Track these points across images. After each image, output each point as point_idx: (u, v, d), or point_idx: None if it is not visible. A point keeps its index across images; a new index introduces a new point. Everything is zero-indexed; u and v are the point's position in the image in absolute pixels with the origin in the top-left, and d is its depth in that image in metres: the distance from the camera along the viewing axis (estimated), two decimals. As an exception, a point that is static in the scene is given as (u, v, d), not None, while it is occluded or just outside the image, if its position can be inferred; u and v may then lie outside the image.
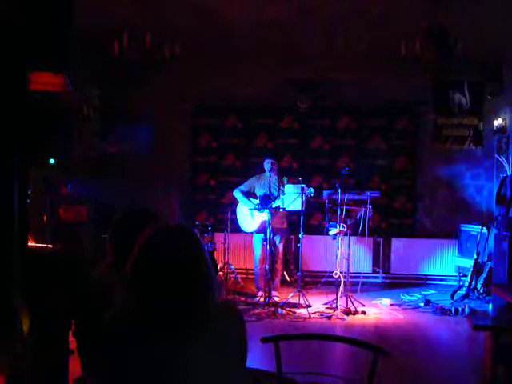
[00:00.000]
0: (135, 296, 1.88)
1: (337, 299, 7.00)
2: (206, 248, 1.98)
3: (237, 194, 7.76)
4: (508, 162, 8.35)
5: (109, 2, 6.64)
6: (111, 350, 1.90)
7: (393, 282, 9.07)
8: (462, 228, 8.72)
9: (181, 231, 1.98)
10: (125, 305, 1.90)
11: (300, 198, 7.06)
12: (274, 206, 7.27)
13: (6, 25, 2.13)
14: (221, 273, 8.24)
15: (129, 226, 2.61)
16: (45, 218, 6.62)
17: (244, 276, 8.79)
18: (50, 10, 2.28)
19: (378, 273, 9.21)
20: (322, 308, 7.10)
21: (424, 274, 9.10)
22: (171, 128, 9.36)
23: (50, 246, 4.30)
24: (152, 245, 1.92)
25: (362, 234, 7.19)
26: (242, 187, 7.78)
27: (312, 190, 7.04)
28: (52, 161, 6.24)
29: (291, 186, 7.28)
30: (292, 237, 8.79)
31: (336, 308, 6.93)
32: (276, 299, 7.29)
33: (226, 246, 8.25)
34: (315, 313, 6.92)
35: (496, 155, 8.94)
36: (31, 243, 4.14)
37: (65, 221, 7.24)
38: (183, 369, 1.82)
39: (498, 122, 8.80)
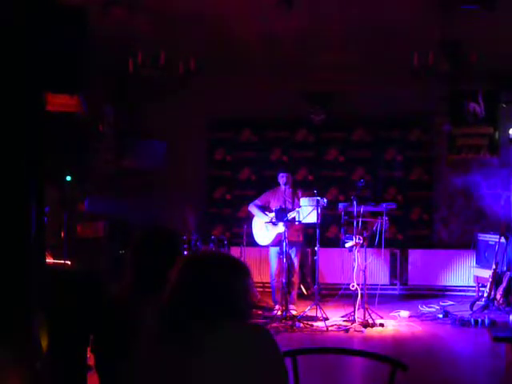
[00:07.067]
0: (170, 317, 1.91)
1: (354, 312, 6.96)
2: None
3: (252, 208, 7.78)
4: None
5: (124, 20, 6.71)
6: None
7: (410, 294, 9.00)
8: (480, 238, 8.63)
9: (226, 258, 2.03)
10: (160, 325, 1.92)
11: (315, 210, 7.05)
12: (289, 218, 7.26)
13: (22, 47, 2.17)
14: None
15: (150, 249, 2.63)
16: (62, 234, 6.68)
17: (261, 289, 8.77)
18: (64, 31, 2.32)
19: (396, 284, 9.15)
20: (340, 321, 7.06)
21: (442, 285, 9.03)
22: (186, 142, 9.40)
23: (67, 262, 4.34)
24: (199, 270, 1.96)
25: (379, 246, 7.16)
26: (257, 201, 7.79)
27: (325, 200, 7.03)
28: (68, 178, 6.33)
29: (306, 198, 7.28)
30: (308, 250, 8.77)
31: (354, 320, 6.89)
32: (293, 312, 7.26)
33: (242, 259, 8.26)
34: (333, 326, 6.88)
35: (512, 164, 8.88)
36: (49, 260, 4.18)
37: (82, 237, 7.30)
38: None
39: (513, 131, 8.75)
